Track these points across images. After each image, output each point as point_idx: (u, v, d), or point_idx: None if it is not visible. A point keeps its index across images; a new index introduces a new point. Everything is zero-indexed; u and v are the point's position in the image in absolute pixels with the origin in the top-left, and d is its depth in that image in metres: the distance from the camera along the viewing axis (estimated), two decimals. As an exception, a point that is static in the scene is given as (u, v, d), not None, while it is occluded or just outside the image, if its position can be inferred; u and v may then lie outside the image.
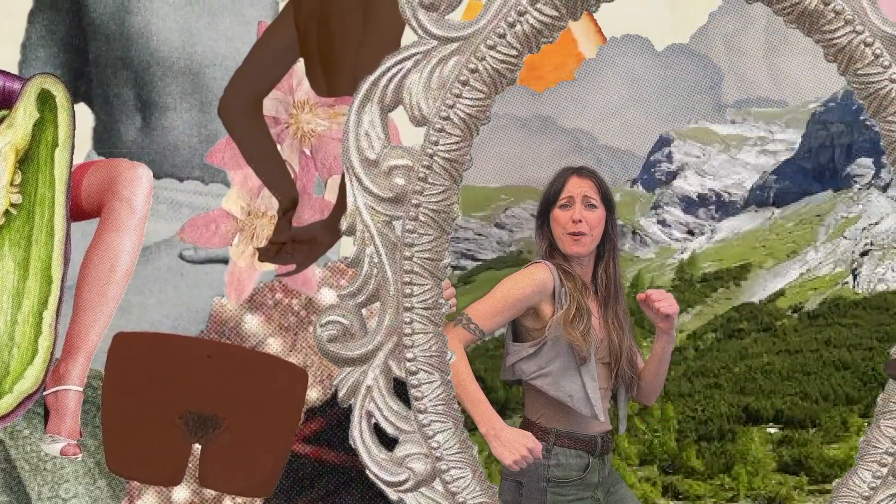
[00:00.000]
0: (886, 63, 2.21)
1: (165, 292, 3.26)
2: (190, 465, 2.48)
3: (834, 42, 2.23)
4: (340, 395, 2.33)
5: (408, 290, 2.30)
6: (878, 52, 2.21)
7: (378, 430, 2.35)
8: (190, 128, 3.42)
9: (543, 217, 2.73)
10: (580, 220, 2.66)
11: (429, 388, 2.32)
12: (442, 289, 2.31)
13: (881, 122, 2.24)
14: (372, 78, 2.26)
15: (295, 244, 2.51)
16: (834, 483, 2.37)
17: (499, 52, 2.25)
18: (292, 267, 2.56)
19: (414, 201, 2.28)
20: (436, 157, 2.27)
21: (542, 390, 2.63)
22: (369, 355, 2.32)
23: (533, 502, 2.61)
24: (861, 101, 2.25)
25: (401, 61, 2.26)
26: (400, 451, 2.34)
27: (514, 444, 2.48)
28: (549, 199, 2.72)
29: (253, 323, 2.84)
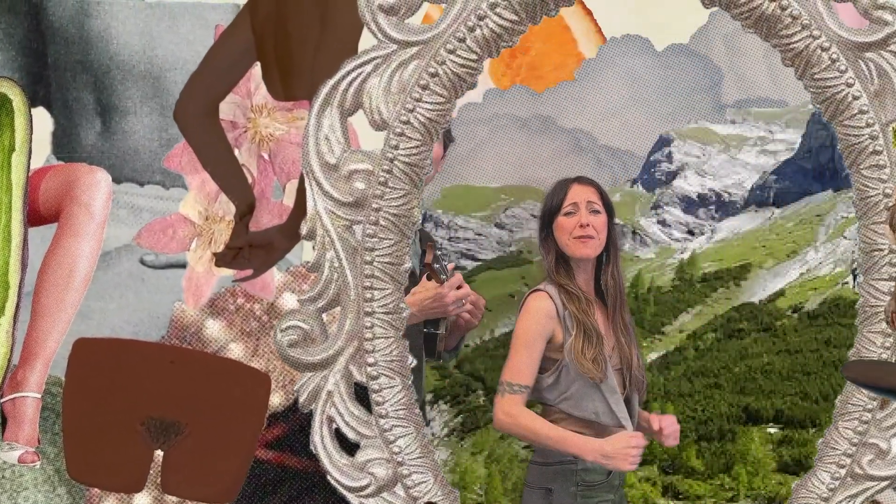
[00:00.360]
0: (843, 67, 2.23)
1: (126, 298, 3.24)
2: (152, 472, 2.46)
3: (791, 47, 2.25)
4: (301, 400, 2.32)
5: (368, 295, 2.29)
6: (834, 56, 2.22)
7: (339, 436, 2.34)
8: (150, 132, 3.40)
9: (546, 229, 2.77)
10: (587, 224, 2.71)
11: (390, 392, 2.32)
12: (402, 293, 2.31)
13: (837, 126, 2.26)
14: (332, 82, 2.25)
15: (252, 249, 2.50)
16: (793, 485, 2.39)
17: (459, 56, 2.25)
18: (250, 272, 2.55)
19: (374, 206, 2.28)
20: (396, 162, 2.27)
21: (568, 412, 2.68)
22: (330, 360, 2.31)
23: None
24: (818, 106, 2.27)
25: (361, 65, 2.25)
26: (361, 456, 2.33)
27: (623, 452, 2.57)
28: (552, 210, 2.76)
29: (214, 328, 2.82)
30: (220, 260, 2.51)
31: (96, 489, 2.66)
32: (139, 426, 2.39)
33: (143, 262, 3.27)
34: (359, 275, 2.29)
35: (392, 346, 2.31)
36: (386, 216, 2.28)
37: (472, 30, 2.24)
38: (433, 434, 2.97)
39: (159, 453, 2.43)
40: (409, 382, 2.34)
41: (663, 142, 3.02)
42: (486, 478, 3.01)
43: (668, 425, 2.75)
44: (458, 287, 2.64)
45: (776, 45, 2.26)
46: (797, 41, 2.24)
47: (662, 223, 3.10)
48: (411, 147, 2.27)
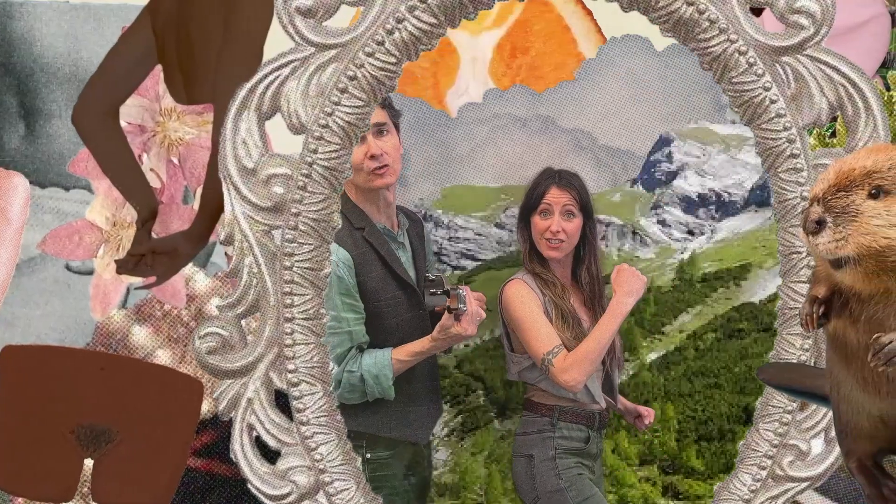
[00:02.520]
0: (760, 71, 2.24)
1: (52, 304, 3.18)
2: (81, 481, 2.44)
3: (709, 51, 2.26)
4: (220, 408, 2.30)
5: (288, 301, 2.27)
6: (751, 60, 2.24)
7: (260, 443, 2.32)
8: (76, 135, 3.34)
9: (524, 220, 2.84)
10: (559, 231, 2.79)
11: (311, 399, 2.30)
12: (322, 299, 2.29)
13: (755, 130, 2.28)
14: (249, 85, 2.23)
15: (155, 256, 2.46)
16: (715, 487, 2.40)
17: (377, 59, 2.24)
18: (153, 279, 2.51)
19: (293, 210, 2.26)
20: (315, 166, 2.25)
21: (546, 390, 2.77)
22: (249, 367, 2.29)
23: (545, 469, 2.74)
24: (736, 110, 2.28)
25: (278, 68, 2.23)
26: (282, 463, 2.31)
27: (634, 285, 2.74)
28: (530, 205, 2.82)
29: (141, 335, 2.78)
30: (122, 267, 2.48)
31: (21, 499, 2.61)
32: (69, 434, 2.36)
33: (69, 268, 3.21)
34: (278, 280, 2.27)
35: (313, 352, 2.30)
36: (305, 221, 2.26)
37: (390, 33, 2.23)
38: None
39: (90, 462, 2.40)
40: (331, 389, 2.32)
41: (663, 142, 3.02)
42: (486, 478, 3.00)
43: (648, 414, 2.92)
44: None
45: (694, 49, 2.27)
46: (715, 45, 2.25)
47: (662, 223, 3.10)
48: (330, 151, 2.25)
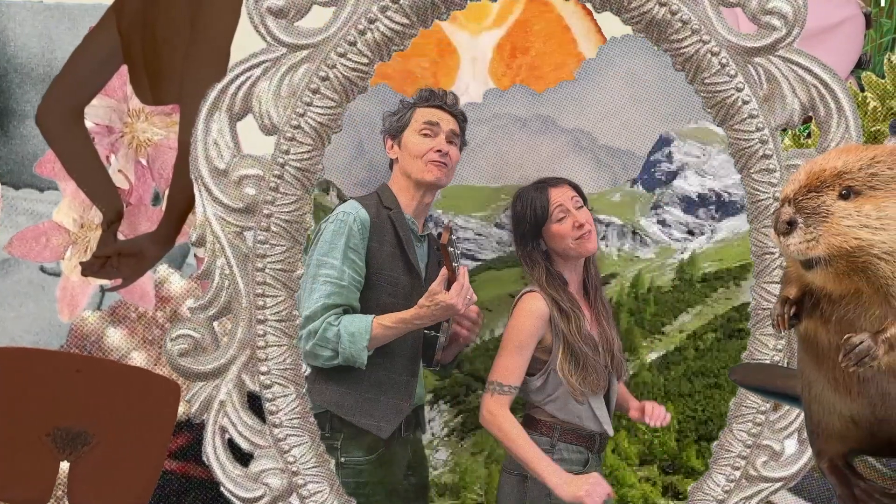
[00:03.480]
0: (732, 72, 2.25)
1: (26, 306, 3.16)
2: (58, 484, 2.43)
3: (681, 51, 2.26)
4: (192, 410, 2.29)
5: (260, 303, 2.26)
6: (724, 61, 2.24)
7: (233, 446, 2.31)
8: (49, 136, 3.32)
9: (532, 241, 2.76)
10: (583, 223, 2.73)
11: (284, 401, 2.29)
12: (295, 300, 2.28)
13: (728, 131, 2.28)
14: (220, 86, 2.22)
15: (121, 258, 2.45)
16: (689, 488, 2.40)
17: (349, 59, 2.23)
18: (120, 281, 2.50)
19: (265, 211, 2.25)
20: (287, 167, 2.24)
21: (553, 415, 2.71)
22: (222, 369, 2.28)
23: (538, 494, 2.66)
24: (708, 111, 2.29)
25: (249, 69, 2.22)
26: (255, 466, 2.30)
27: (587, 495, 2.59)
28: (539, 220, 2.74)
29: (116, 337, 2.76)
30: (87, 269, 2.46)
31: (-2, 503, 2.60)
32: (45, 437, 2.35)
33: (43, 269, 3.20)
34: (250, 282, 2.26)
35: (285, 353, 2.29)
36: (277, 222, 2.25)
37: (362, 33, 2.22)
38: (433, 434, 2.96)
39: (65, 465, 2.39)
40: (304, 391, 2.31)
41: (663, 142, 3.02)
42: (486, 478, 3.00)
43: (654, 415, 2.82)
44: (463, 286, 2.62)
45: (667, 50, 2.27)
46: (687, 46, 2.25)
47: (662, 223, 3.10)
48: (303, 152, 2.24)
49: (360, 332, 2.53)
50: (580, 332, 2.71)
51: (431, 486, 2.88)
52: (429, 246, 2.76)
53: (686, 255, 3.14)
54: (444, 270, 2.56)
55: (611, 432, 2.76)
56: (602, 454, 2.79)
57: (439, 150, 2.68)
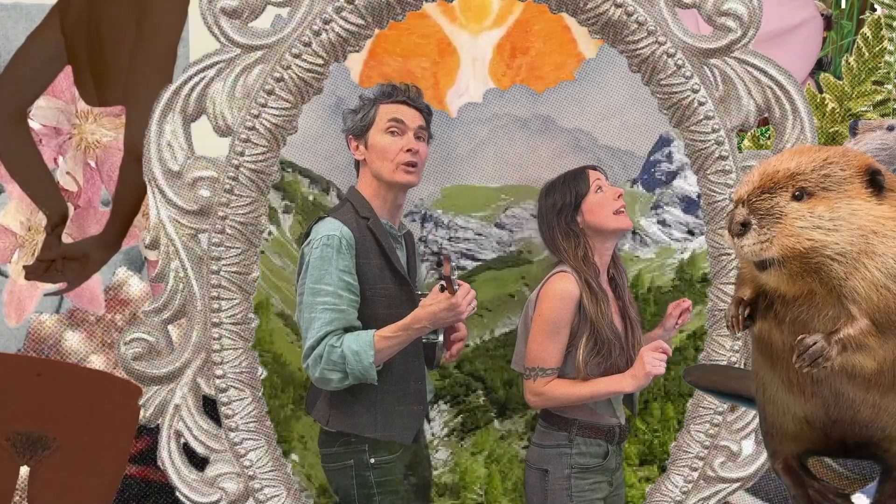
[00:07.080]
0: (688, 73, 2.25)
1: (-18, 310, 3.14)
2: (18, 488, 2.40)
3: (637, 53, 2.26)
4: (147, 414, 2.27)
5: (216, 305, 2.25)
6: (679, 62, 2.25)
7: (188, 450, 2.30)
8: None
9: (570, 217, 2.74)
10: (621, 194, 2.73)
11: (240, 405, 2.28)
12: (250, 304, 2.27)
13: (684, 132, 2.29)
14: (173, 87, 2.21)
15: (65, 261, 2.43)
16: (647, 489, 2.41)
17: (304, 60, 2.22)
18: (64, 285, 2.48)
19: (220, 213, 2.23)
20: (242, 168, 2.23)
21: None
22: (177, 373, 2.26)
23: (558, 487, 2.69)
24: (664, 112, 2.29)
25: (203, 70, 2.21)
26: (211, 470, 2.29)
27: (650, 364, 2.62)
28: (579, 192, 2.74)
29: (74, 340, 2.74)
30: (31, 273, 2.44)
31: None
32: (4, 441, 2.34)
33: (0, 272, 3.17)
34: (205, 285, 2.25)
35: (241, 357, 2.27)
36: (232, 224, 2.24)
37: (317, 34, 2.21)
38: (433, 434, 2.95)
39: (25, 469, 2.38)
40: (259, 395, 2.30)
41: (663, 142, 3.02)
42: (486, 478, 3.00)
43: (679, 315, 2.82)
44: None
45: (623, 52, 2.28)
46: (643, 47, 2.25)
47: (662, 223, 3.10)
48: (257, 153, 2.23)
49: (363, 349, 2.52)
50: (605, 317, 2.70)
51: (432, 486, 2.88)
52: (406, 245, 2.75)
53: (686, 255, 3.15)
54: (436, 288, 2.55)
55: (622, 421, 2.75)
56: (623, 445, 2.79)
57: (410, 150, 2.64)
